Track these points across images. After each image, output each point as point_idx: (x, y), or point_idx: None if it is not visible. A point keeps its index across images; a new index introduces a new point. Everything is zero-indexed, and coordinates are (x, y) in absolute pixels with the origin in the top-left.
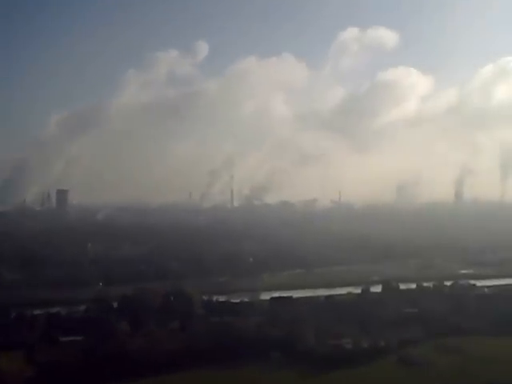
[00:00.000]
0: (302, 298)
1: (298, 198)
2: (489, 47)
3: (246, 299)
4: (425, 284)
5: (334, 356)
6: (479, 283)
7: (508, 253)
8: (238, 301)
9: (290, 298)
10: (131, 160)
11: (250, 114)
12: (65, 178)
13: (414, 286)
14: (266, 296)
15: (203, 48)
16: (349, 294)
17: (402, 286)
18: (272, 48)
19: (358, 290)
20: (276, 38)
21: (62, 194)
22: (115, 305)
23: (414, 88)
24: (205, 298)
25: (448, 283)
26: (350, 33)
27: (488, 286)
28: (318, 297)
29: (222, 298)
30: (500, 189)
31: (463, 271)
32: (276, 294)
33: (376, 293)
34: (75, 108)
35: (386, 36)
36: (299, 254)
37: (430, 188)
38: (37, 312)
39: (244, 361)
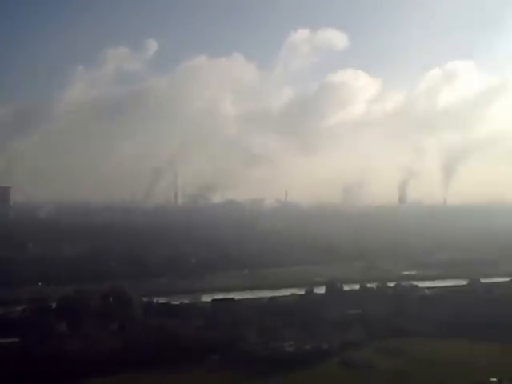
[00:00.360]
0: (244, 299)
1: (244, 198)
2: (435, 51)
3: (187, 301)
4: (368, 285)
5: (275, 359)
6: (422, 284)
7: (450, 254)
8: (178, 303)
9: (232, 299)
10: (77, 158)
11: (198, 112)
12: (9, 176)
13: (357, 287)
14: (207, 298)
15: (153, 46)
16: (292, 295)
17: (346, 287)
18: (222, 48)
19: (302, 292)
20: (226, 37)
21: (3, 191)
22: (54, 305)
23: (361, 90)
24: (145, 299)
25: (391, 284)
26: (301, 34)
27: (430, 288)
28: (260, 298)
29: (162, 300)
30: (443, 191)
31: (406, 272)
32: (218, 296)
33: (320, 294)
34: (20, 105)
35: (336, 38)
36: (243, 254)
37: (375, 190)
38: None
39: (184, 364)
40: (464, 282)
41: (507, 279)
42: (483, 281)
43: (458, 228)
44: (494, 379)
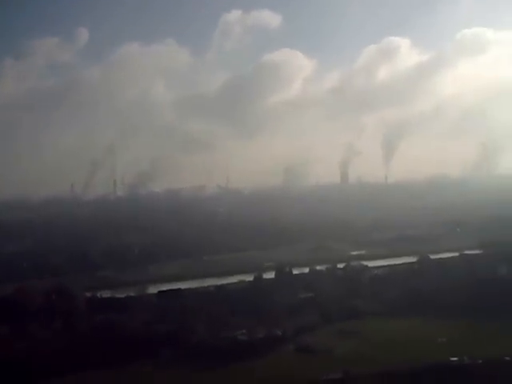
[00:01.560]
0: (191, 289)
1: (185, 185)
2: (370, 29)
3: (132, 294)
4: (318, 267)
5: (227, 349)
6: (371, 264)
7: (394, 232)
8: (123, 296)
9: (178, 290)
10: (11, 152)
11: (132, 100)
12: None
13: (307, 270)
14: (153, 289)
15: (83, 35)
16: (241, 282)
17: (296, 271)
18: (154, 34)
19: (251, 278)
20: (158, 23)
21: None
22: None
23: (299, 70)
24: (88, 294)
25: (341, 265)
26: (234, 15)
27: (379, 267)
28: (208, 287)
29: (106, 294)
30: (384, 169)
31: (355, 252)
32: (164, 287)
33: (269, 279)
34: None
35: (270, 18)
36: (187, 242)
37: (317, 170)
38: None
39: (132, 359)
40: (413, 259)
41: (456, 254)
42: (432, 257)
43: (401, 205)
44: (455, 358)
